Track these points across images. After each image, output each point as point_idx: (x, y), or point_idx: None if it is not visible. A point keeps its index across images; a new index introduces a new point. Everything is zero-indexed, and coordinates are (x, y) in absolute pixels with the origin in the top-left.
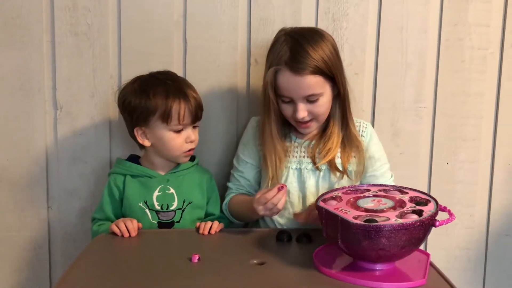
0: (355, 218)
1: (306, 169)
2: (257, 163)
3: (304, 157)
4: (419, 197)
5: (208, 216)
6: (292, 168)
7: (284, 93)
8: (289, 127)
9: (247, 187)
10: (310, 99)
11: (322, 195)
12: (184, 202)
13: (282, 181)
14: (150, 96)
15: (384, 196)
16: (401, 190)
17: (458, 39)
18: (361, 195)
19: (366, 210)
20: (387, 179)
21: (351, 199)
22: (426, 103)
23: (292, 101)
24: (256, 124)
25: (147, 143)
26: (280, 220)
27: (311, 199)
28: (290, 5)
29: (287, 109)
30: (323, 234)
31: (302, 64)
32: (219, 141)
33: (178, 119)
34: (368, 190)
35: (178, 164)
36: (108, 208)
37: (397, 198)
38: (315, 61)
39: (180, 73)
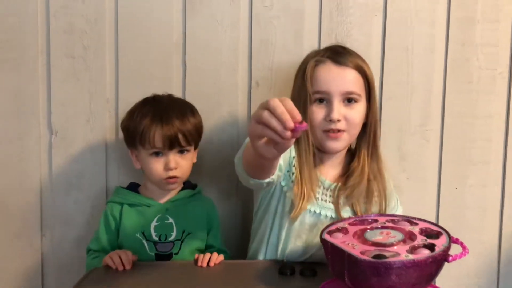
0: (362, 253)
1: (326, 216)
2: (286, 167)
3: (326, 201)
4: (429, 228)
5: (208, 248)
6: (311, 211)
7: (322, 86)
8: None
9: None
10: (349, 98)
11: (327, 226)
12: (183, 232)
13: (297, 222)
14: (134, 117)
15: (393, 228)
16: (410, 221)
17: (465, 59)
18: (369, 226)
19: (374, 244)
20: (397, 207)
21: (358, 231)
22: (433, 125)
23: (327, 101)
24: None
25: (138, 165)
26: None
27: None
28: (292, 26)
29: (318, 112)
30: (328, 268)
31: (345, 57)
32: (219, 167)
33: (149, 142)
34: (376, 221)
35: (178, 192)
36: (104, 239)
37: (407, 230)
38: (357, 59)
39: (179, 96)
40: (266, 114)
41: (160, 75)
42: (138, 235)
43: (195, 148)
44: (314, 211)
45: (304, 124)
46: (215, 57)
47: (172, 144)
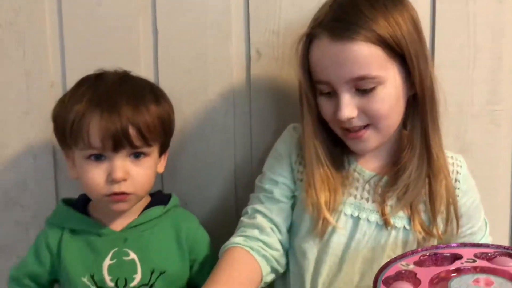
0: None
1: (368, 220)
2: (292, 186)
3: (367, 200)
4: None
5: None
6: (345, 214)
7: (320, 75)
8: (345, 146)
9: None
10: (362, 86)
11: (383, 268)
12: (152, 273)
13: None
14: (65, 102)
15: (490, 271)
16: (511, 253)
17: None
18: (452, 269)
19: None
20: (484, 232)
21: (435, 278)
22: (505, 104)
23: (333, 92)
24: (296, 134)
25: (74, 174)
26: None
27: (363, 270)
28: None
29: (327, 107)
30: None
31: (347, 23)
32: (212, 173)
33: (82, 139)
34: (459, 257)
35: (141, 213)
36: (31, 273)
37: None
38: (370, 22)
39: (149, 74)
40: None
41: (122, 47)
42: (85, 279)
43: (161, 151)
44: (351, 214)
45: None
46: (198, 19)
47: (118, 143)
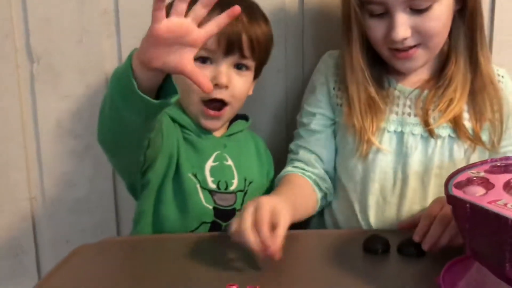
0: None
1: (412, 134)
2: (330, 113)
3: (409, 114)
4: None
5: None
6: (389, 131)
7: None
8: (385, 67)
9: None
10: (417, 6)
11: (452, 175)
12: (245, 180)
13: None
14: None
15: None
16: None
17: None
18: None
19: None
20: None
21: (508, 183)
22: None
23: (386, 13)
24: (332, 60)
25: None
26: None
27: (414, 185)
28: None
29: (377, 29)
30: (464, 246)
31: None
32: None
33: None
34: None
35: (230, 123)
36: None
37: None
38: None
39: None
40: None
41: None
42: (190, 175)
43: (255, 74)
44: (395, 130)
45: None
46: None
47: (230, 47)
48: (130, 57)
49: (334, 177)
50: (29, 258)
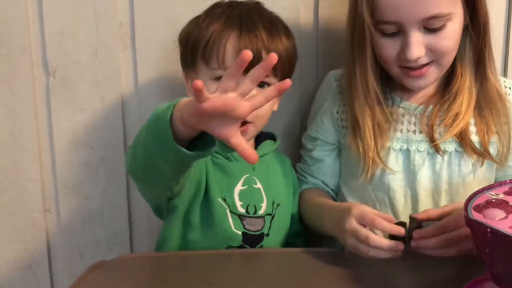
0: None
1: (418, 151)
2: (333, 138)
3: (414, 132)
4: None
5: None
6: (394, 149)
7: (388, 14)
8: (388, 85)
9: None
10: (432, 25)
11: (471, 198)
12: (273, 203)
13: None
14: (199, 22)
15: None
16: None
17: None
18: None
19: None
20: None
21: None
22: None
23: (398, 32)
24: (335, 82)
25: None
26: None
27: (425, 202)
28: None
29: (390, 48)
30: (485, 269)
31: None
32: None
33: (217, 57)
34: None
35: (256, 144)
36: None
37: None
38: None
39: None
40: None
41: None
42: (220, 200)
43: None
44: (400, 148)
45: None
46: None
47: (251, 66)
48: (172, 106)
49: (340, 195)
50: (42, 270)
